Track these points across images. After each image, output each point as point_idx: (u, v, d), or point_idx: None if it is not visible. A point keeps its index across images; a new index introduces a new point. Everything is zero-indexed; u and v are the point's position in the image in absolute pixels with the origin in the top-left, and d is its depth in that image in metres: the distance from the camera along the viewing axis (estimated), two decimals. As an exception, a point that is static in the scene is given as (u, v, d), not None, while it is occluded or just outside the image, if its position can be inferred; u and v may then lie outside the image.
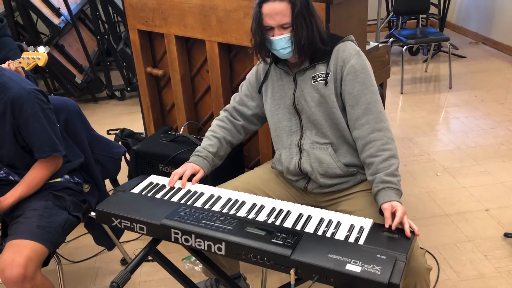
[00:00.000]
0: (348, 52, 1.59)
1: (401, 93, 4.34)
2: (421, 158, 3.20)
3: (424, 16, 5.50)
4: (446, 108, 3.97)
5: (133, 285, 2.22)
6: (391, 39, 4.67)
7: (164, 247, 1.42)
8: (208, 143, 1.76)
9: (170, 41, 2.49)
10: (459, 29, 5.99)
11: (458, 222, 2.53)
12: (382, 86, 2.46)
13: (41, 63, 2.22)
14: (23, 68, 2.25)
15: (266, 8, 1.54)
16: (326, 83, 1.59)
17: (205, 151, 1.74)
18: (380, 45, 2.38)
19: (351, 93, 1.58)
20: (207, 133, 1.80)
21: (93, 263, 2.41)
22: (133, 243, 2.49)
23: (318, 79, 1.61)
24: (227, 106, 1.85)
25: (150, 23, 2.54)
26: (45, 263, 1.68)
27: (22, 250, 1.55)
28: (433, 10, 5.22)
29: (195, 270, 2.25)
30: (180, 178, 1.63)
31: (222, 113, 1.84)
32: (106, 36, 4.40)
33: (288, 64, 1.67)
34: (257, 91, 1.76)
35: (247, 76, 1.82)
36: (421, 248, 1.48)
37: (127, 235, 2.41)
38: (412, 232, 1.34)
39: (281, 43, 1.55)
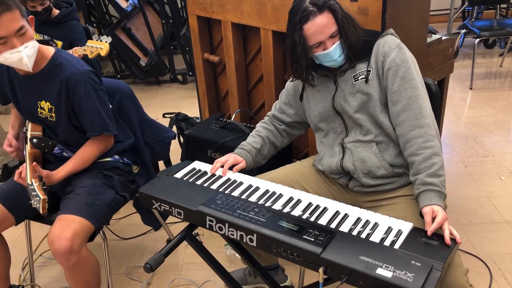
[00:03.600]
0: (388, 46, 1.53)
1: (471, 88, 4.08)
2: (485, 160, 2.99)
3: (505, 6, 5.12)
4: (520, 107, 3.70)
5: (176, 266, 2.29)
6: (464, 30, 4.40)
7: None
8: (253, 140, 1.79)
9: (227, 28, 2.49)
10: (544, 21, 5.52)
11: (520, 231, 2.37)
12: (443, 82, 2.32)
13: (103, 52, 2.31)
14: (86, 55, 2.35)
15: (310, 27, 1.49)
16: (366, 81, 1.55)
17: (249, 145, 1.76)
18: (444, 37, 2.24)
19: (391, 88, 1.53)
20: (251, 132, 1.84)
21: (141, 241, 2.51)
22: (179, 224, 2.54)
23: (359, 78, 1.57)
24: (269, 113, 1.87)
25: (208, 9, 2.56)
26: (92, 238, 1.76)
27: (70, 225, 1.64)
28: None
29: (236, 256, 2.27)
30: (222, 167, 1.64)
31: (265, 118, 1.87)
32: (170, 21, 4.50)
33: (328, 68, 1.63)
34: (298, 99, 1.76)
35: (286, 84, 1.81)
36: (463, 254, 1.39)
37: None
38: (453, 240, 1.26)
39: (337, 51, 1.53)
